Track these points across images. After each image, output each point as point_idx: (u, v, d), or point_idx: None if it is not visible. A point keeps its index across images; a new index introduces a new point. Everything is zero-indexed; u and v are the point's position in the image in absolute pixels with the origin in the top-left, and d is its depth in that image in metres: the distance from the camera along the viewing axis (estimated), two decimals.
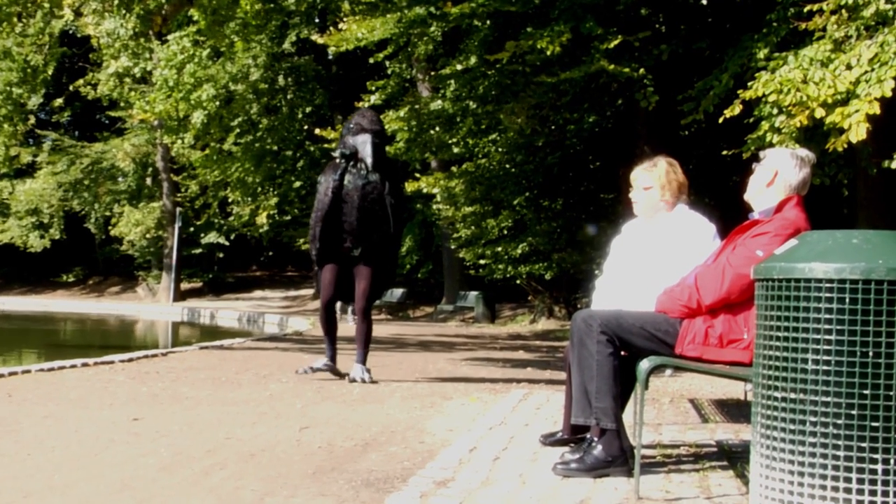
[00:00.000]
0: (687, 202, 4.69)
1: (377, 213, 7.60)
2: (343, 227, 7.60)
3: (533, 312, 22.74)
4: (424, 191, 20.18)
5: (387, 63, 23.00)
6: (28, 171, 41.70)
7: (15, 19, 20.95)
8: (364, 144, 7.54)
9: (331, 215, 7.59)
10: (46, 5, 21.99)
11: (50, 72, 26.20)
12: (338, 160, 7.69)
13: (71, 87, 38.06)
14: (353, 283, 7.81)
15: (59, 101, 40.30)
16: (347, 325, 18.85)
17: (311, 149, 31.10)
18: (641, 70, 13.50)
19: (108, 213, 40.71)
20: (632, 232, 4.79)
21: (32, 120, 36.98)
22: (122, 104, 34.49)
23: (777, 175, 4.03)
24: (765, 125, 9.34)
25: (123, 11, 20.40)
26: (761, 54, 10.77)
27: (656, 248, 4.52)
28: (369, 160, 7.51)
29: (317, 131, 19.35)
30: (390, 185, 7.67)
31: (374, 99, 19.35)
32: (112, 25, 28.23)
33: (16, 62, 24.10)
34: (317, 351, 11.64)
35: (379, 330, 16.94)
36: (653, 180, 4.67)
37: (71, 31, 36.92)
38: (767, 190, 4.05)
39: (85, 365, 8.23)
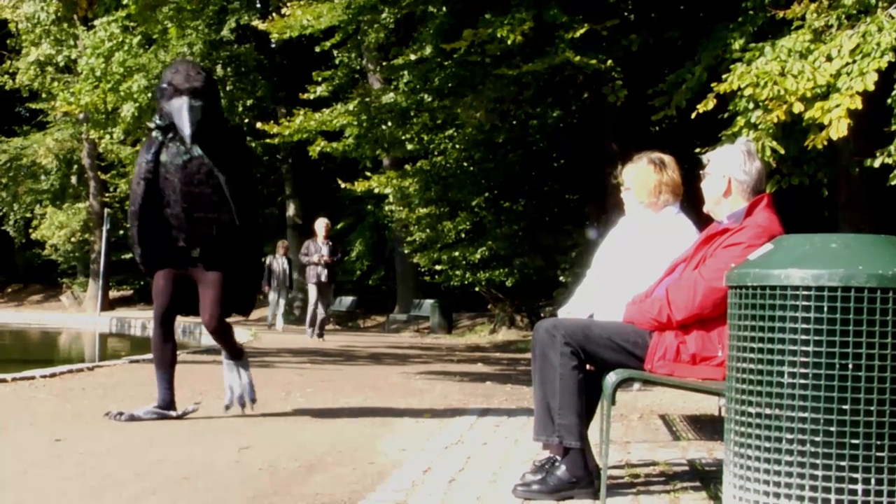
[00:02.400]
0: (676, 203, 4.73)
1: (210, 199, 6.20)
2: (170, 223, 6.26)
3: (493, 322, 22.77)
4: (376, 191, 20.14)
5: (335, 52, 22.97)
6: None
7: None
8: (179, 110, 6.08)
9: (149, 209, 6.23)
10: None
11: None
12: (153, 134, 6.32)
13: None
14: (197, 297, 6.46)
15: None
16: (306, 338, 18.73)
17: (253, 144, 30.92)
18: (609, 62, 13.58)
19: (28, 215, 40.20)
20: (621, 229, 4.86)
21: None
22: (43, 95, 34.09)
23: (731, 182, 4.08)
24: (740, 121, 9.42)
25: None
26: (737, 45, 10.88)
27: (632, 251, 4.59)
28: (186, 131, 6.02)
29: (258, 125, 19.25)
30: (223, 160, 6.21)
31: (321, 91, 19.30)
32: (32, 9, 27.96)
33: None
34: (259, 364, 11.58)
35: (326, 341, 16.89)
36: (630, 180, 4.75)
37: None
38: (726, 199, 4.10)
39: (2, 381, 8.13)
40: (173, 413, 6.39)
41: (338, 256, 17.74)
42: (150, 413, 6.32)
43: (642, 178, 4.70)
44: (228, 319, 6.60)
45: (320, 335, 17.49)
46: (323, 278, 17.09)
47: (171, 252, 6.35)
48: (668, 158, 4.77)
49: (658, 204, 4.69)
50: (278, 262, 21.25)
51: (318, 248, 17.09)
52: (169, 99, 6.15)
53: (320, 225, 17.34)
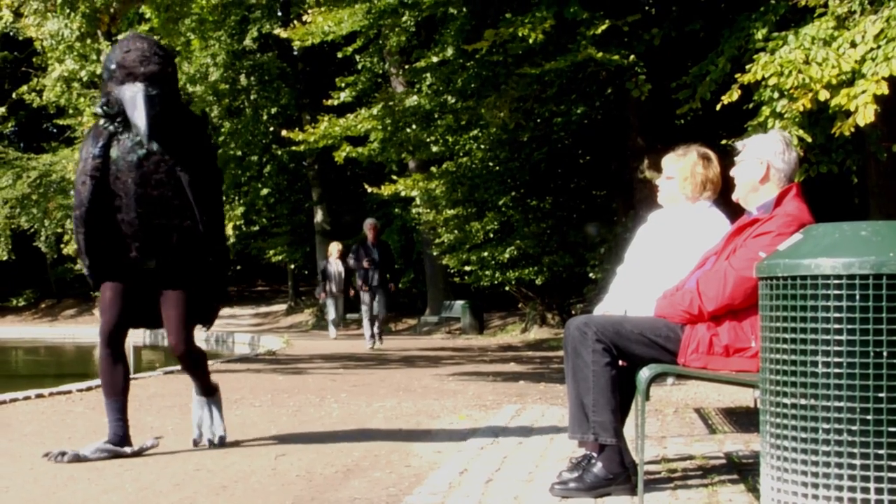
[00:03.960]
0: (712, 199, 4.72)
1: (170, 203, 5.19)
2: (121, 230, 5.23)
3: (524, 321, 22.74)
4: (403, 194, 20.18)
5: (357, 57, 23.06)
6: None
7: None
8: (133, 101, 5.04)
9: (96, 213, 5.21)
10: None
11: None
12: (100, 122, 5.26)
13: (14, 95, 37.81)
14: (155, 306, 5.43)
15: (1, 111, 40.13)
16: (329, 342, 18.73)
17: (279, 153, 31.05)
18: (632, 57, 13.54)
19: (59, 230, 40.41)
20: (654, 223, 4.85)
21: None
22: (70, 111, 34.22)
23: (770, 167, 4.05)
24: (765, 110, 9.38)
25: (67, 10, 20.25)
26: (759, 35, 10.82)
27: (666, 244, 4.58)
28: (143, 128, 5.01)
29: (284, 133, 19.36)
30: (186, 155, 5.21)
31: (345, 96, 19.37)
32: (55, 26, 28.15)
33: None
34: (293, 372, 11.63)
35: (358, 345, 16.92)
36: (676, 170, 4.73)
37: (11, 34, 36.73)
38: (763, 186, 4.07)
39: (40, 396, 8.20)
40: (128, 449, 5.27)
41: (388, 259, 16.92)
42: (98, 451, 5.17)
43: (689, 172, 4.68)
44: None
45: (379, 339, 16.86)
46: (374, 282, 16.50)
47: (122, 263, 5.34)
48: (713, 154, 4.77)
49: (698, 199, 4.69)
50: (333, 266, 20.14)
51: (368, 251, 16.74)
52: (119, 83, 5.12)
53: (368, 226, 17.00)
